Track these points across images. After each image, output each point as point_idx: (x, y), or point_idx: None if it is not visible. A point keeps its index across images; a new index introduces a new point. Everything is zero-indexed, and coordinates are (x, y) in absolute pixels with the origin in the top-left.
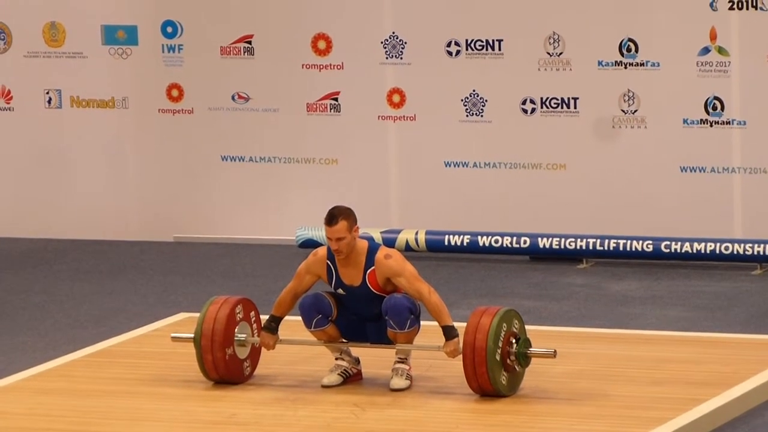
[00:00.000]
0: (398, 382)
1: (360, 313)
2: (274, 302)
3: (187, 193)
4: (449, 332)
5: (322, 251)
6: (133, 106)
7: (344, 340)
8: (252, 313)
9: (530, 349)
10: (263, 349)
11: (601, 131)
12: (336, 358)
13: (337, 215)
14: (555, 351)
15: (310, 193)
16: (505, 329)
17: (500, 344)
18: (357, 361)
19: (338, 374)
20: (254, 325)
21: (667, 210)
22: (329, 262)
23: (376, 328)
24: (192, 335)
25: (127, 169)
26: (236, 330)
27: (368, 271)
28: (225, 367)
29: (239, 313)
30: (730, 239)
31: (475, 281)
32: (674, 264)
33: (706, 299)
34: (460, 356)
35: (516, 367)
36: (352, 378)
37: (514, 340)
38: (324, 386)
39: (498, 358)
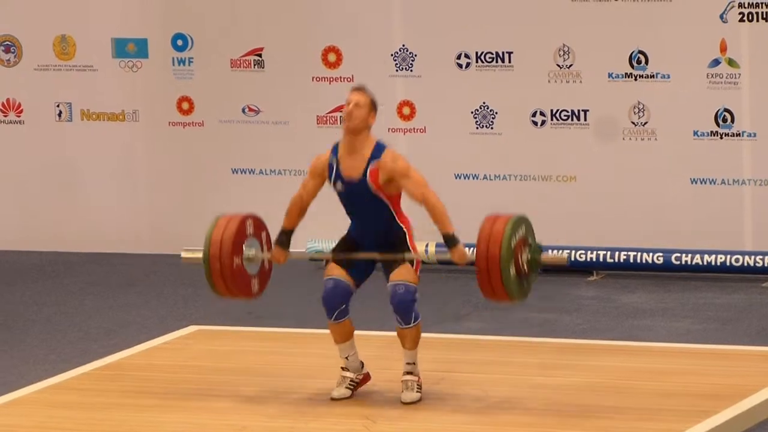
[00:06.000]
0: (409, 395)
1: (360, 215)
2: (284, 314)
3: (198, 206)
4: (453, 240)
5: (325, 153)
6: (144, 118)
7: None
8: (263, 234)
9: (542, 254)
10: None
11: (605, 133)
12: (342, 368)
13: (364, 88)
14: (568, 256)
15: (320, 206)
16: (517, 236)
17: (513, 251)
18: (362, 365)
19: (346, 387)
20: (264, 245)
21: (677, 222)
22: (332, 158)
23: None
24: (202, 250)
25: (137, 182)
26: (245, 245)
27: (370, 165)
28: (232, 276)
29: (250, 227)
30: (741, 251)
31: None
32: (685, 276)
33: (716, 311)
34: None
35: (529, 272)
36: (360, 385)
37: (526, 247)
38: (333, 399)
39: (511, 264)
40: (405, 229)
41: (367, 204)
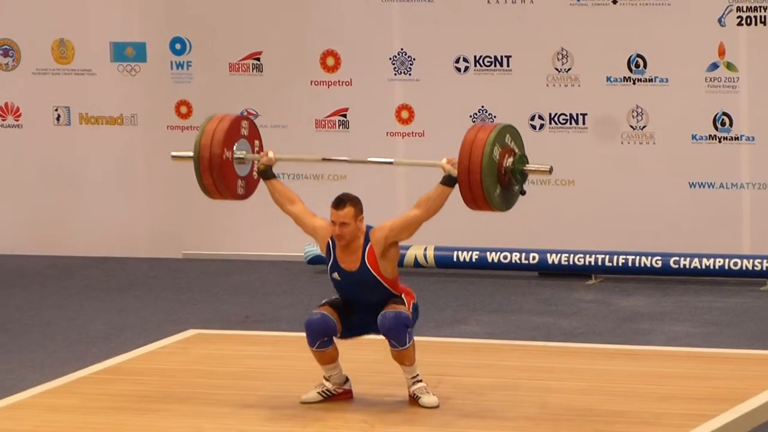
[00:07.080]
0: (429, 399)
1: (357, 299)
2: (281, 317)
3: (196, 210)
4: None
5: (330, 230)
6: (142, 122)
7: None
8: (256, 141)
9: (527, 165)
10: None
11: (603, 137)
12: (324, 377)
13: (345, 200)
14: (551, 167)
15: (318, 210)
16: (501, 145)
17: (497, 158)
18: (345, 380)
19: (318, 392)
20: (256, 150)
21: (675, 225)
22: (330, 242)
23: (372, 321)
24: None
25: (136, 186)
26: (236, 145)
27: (366, 251)
28: (220, 168)
29: (244, 128)
30: (739, 255)
31: (484, 297)
32: (683, 280)
33: (714, 315)
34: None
35: (512, 182)
36: (336, 397)
37: (511, 157)
38: (302, 402)
39: (492, 173)
40: (404, 299)
41: (366, 288)
